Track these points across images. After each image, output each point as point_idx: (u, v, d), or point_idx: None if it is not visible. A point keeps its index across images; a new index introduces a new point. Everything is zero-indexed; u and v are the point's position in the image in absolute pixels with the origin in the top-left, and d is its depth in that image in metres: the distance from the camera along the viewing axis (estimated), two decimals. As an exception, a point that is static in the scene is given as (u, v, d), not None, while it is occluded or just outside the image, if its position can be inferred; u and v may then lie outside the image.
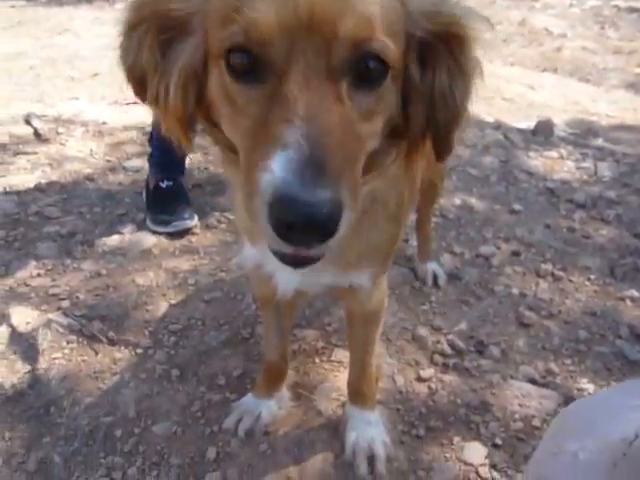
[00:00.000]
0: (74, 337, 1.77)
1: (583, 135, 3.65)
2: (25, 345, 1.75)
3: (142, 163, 2.94)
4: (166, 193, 2.38)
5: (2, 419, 1.52)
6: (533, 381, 1.66)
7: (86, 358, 1.71)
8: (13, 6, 8.66)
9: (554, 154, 3.22)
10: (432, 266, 2.09)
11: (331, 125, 0.69)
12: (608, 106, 4.45)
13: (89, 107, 3.84)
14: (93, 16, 7.73)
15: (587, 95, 4.69)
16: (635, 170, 3.11)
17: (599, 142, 3.53)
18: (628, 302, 2.09)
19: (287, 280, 1.15)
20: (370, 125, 0.79)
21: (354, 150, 0.75)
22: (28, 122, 3.48)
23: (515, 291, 2.07)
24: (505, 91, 4.61)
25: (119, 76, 0.90)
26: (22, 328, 1.81)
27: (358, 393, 1.44)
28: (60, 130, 3.38)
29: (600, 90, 4.90)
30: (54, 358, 1.70)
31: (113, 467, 1.38)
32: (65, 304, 1.92)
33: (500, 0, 7.82)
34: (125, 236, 2.32)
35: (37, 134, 3.33)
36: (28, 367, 1.67)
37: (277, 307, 1.44)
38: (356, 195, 0.73)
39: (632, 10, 7.39)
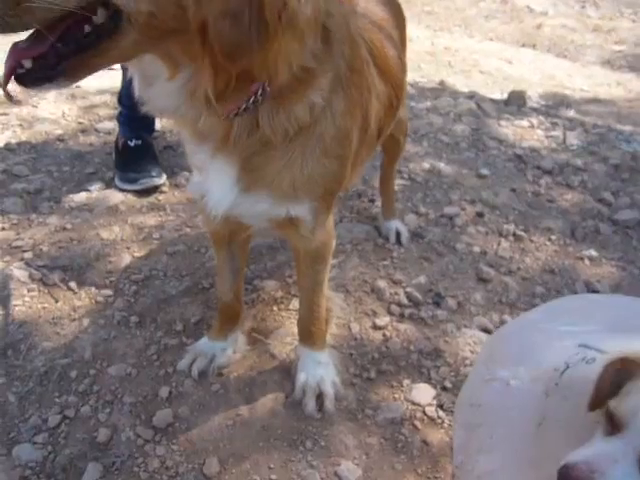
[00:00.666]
0: (35, 286, 1.78)
1: (555, 107, 3.69)
2: (-16, 295, 1.76)
3: (114, 125, 2.92)
4: (134, 151, 2.37)
5: (-42, 362, 1.53)
6: (486, 330, 1.70)
7: (46, 305, 1.72)
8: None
9: (525, 123, 3.24)
10: (396, 224, 2.11)
11: None
12: (583, 81, 4.50)
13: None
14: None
15: (563, 70, 4.73)
16: (603, 139, 3.15)
17: (571, 113, 3.57)
18: (586, 261, 2.13)
19: (218, 200, 1.15)
20: None
21: None
22: (-1, 84, 3.45)
23: (476, 249, 2.10)
24: (483, 65, 4.64)
25: None
26: (-19, 278, 1.82)
27: (307, 333, 1.46)
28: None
29: (576, 65, 4.94)
30: (14, 305, 1.71)
31: (67, 405, 1.40)
32: (28, 255, 1.92)
33: (484, -23, 7.81)
34: (92, 193, 2.32)
35: (8, 96, 3.30)
36: (-14, 319, 1.68)
37: (230, 247, 1.46)
38: None
39: (613, -10, 7.42)
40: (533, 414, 0.89)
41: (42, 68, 0.88)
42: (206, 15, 0.82)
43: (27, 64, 0.88)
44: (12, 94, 0.90)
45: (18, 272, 1.83)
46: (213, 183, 1.15)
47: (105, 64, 0.92)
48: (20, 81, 0.89)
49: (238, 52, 0.84)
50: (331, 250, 1.38)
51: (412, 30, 5.46)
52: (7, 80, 0.88)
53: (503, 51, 5.08)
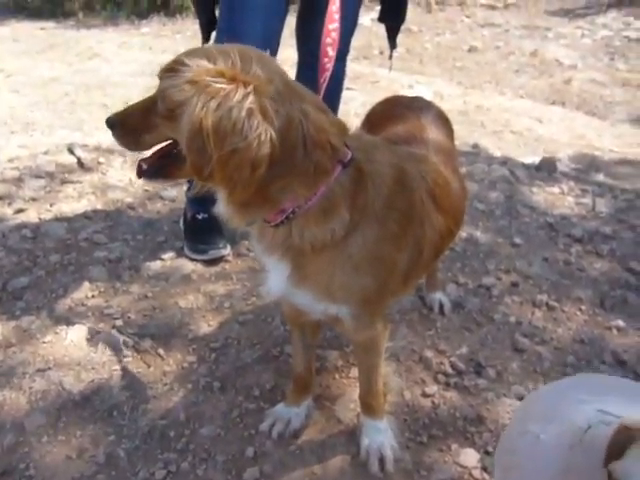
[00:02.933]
0: (129, 352, 2.07)
1: (585, 170, 3.92)
2: (87, 359, 2.05)
3: (176, 193, 3.26)
4: (202, 224, 2.66)
5: (73, 420, 1.81)
6: (522, 399, 1.91)
7: (141, 370, 2.00)
8: (43, 28, 9.10)
9: (556, 190, 3.48)
10: (439, 295, 2.36)
11: None
12: (612, 141, 4.71)
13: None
14: (120, 40, 8.10)
15: (593, 129, 4.95)
16: (631, 207, 3.37)
17: (600, 177, 3.79)
18: (614, 331, 2.34)
19: (272, 288, 1.43)
20: None
21: None
22: (71, 152, 3.82)
23: (512, 319, 2.33)
24: (514, 125, 4.89)
25: None
26: (83, 344, 2.11)
27: (368, 406, 1.71)
28: (101, 160, 3.71)
29: (606, 124, 5.16)
30: (113, 369, 2.00)
31: (169, 461, 1.67)
32: (119, 323, 2.21)
33: (513, 29, 8.10)
34: (166, 262, 2.62)
35: (80, 163, 3.66)
36: (92, 377, 1.97)
37: (303, 327, 1.74)
38: None
39: (642, 41, 7.63)
40: (559, 464, 1.08)
41: (149, 171, 1.36)
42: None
43: (144, 166, 1.37)
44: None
45: (114, 339, 2.12)
46: (270, 272, 1.43)
47: (185, 176, 1.42)
48: (140, 175, 1.38)
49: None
50: (381, 343, 1.60)
51: (444, 88, 5.78)
52: (138, 172, 1.39)
53: (533, 110, 5.33)
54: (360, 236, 1.33)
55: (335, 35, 1.69)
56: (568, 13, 8.23)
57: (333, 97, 2.71)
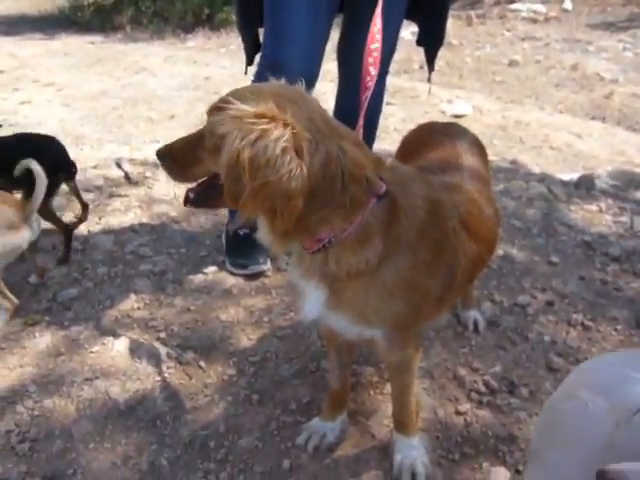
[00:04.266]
0: (172, 364, 2.16)
1: (624, 187, 3.89)
2: (132, 369, 2.15)
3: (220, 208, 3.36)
4: (244, 240, 2.75)
5: (118, 429, 1.91)
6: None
7: (183, 382, 2.09)
8: (92, 42, 9.41)
9: (594, 208, 3.47)
10: (473, 313, 2.40)
11: None
12: (653, 157, 4.66)
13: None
14: (166, 54, 8.31)
15: (633, 145, 4.89)
16: (670, 225, 3.34)
17: (639, 195, 3.76)
18: (650, 352, 2.34)
19: (308, 310, 1.50)
20: None
21: None
22: (119, 166, 3.97)
23: (547, 338, 2.35)
24: (553, 140, 4.87)
25: (193, 118, 1.36)
26: (129, 354, 2.22)
27: (401, 424, 1.76)
28: (147, 174, 3.85)
29: (647, 140, 5.10)
30: (156, 380, 2.10)
31: (209, 471, 1.75)
32: (162, 335, 2.31)
33: (554, 43, 8.02)
34: (208, 276, 2.72)
35: (127, 177, 3.81)
36: (136, 387, 2.07)
37: (339, 347, 1.80)
38: None
39: (686, 54, 7.49)
40: (603, 439, 1.09)
41: (196, 200, 1.46)
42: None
43: (191, 195, 1.47)
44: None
45: (158, 350, 2.22)
46: (306, 296, 1.50)
47: (226, 206, 1.50)
48: (187, 203, 1.48)
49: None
50: (413, 364, 1.66)
51: (484, 102, 5.78)
52: (185, 200, 1.49)
53: (573, 125, 5.29)
54: (393, 264, 1.39)
55: (377, 55, 1.75)
56: (610, 26, 8.12)
57: (374, 115, 2.78)
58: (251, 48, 2.59)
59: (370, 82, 1.72)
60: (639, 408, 1.10)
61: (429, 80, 2.76)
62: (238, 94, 1.29)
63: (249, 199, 1.21)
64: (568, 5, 8.94)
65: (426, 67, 2.76)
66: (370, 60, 1.74)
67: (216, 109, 1.29)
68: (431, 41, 2.64)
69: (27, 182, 2.42)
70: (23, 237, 2.35)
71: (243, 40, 2.63)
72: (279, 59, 2.29)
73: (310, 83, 1.96)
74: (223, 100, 1.30)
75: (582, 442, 1.16)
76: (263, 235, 1.36)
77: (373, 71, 1.72)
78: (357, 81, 1.71)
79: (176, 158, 1.40)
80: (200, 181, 1.45)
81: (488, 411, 1.97)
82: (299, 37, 2.28)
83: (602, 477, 0.91)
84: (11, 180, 2.52)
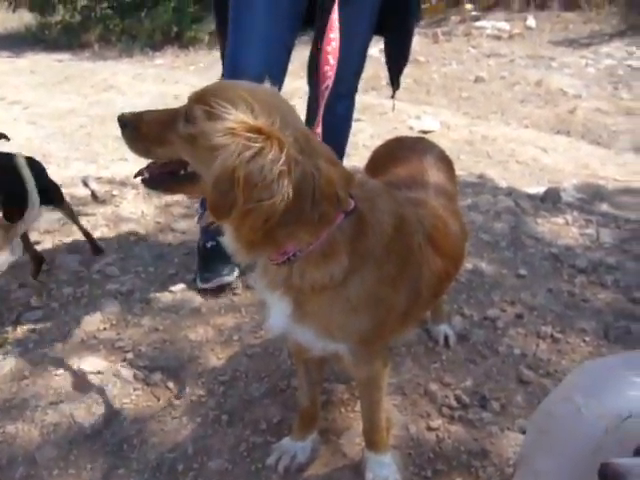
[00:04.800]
0: (139, 385, 2.12)
1: (589, 200, 3.96)
2: (98, 392, 2.10)
3: (188, 225, 3.33)
4: (210, 253, 2.71)
5: (84, 453, 1.86)
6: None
7: (150, 404, 2.05)
8: (60, 60, 9.32)
9: (560, 220, 3.52)
10: (444, 328, 2.39)
11: None
12: (616, 169, 4.75)
13: (137, 168, 4.25)
14: (134, 72, 8.27)
15: (597, 158, 5.00)
16: (635, 236, 3.39)
17: (604, 207, 3.83)
18: (618, 363, 2.36)
19: (274, 324, 1.48)
20: None
21: None
22: (86, 184, 3.92)
23: (517, 351, 2.36)
24: (519, 154, 4.95)
25: None
26: (95, 377, 2.16)
27: (372, 441, 1.74)
28: (114, 192, 3.81)
29: (610, 153, 5.21)
30: (124, 403, 2.05)
31: (178, 495, 1.70)
32: (129, 356, 2.26)
33: (518, 59, 8.18)
34: (177, 294, 2.68)
35: (94, 196, 3.76)
36: (102, 410, 2.01)
37: (308, 363, 1.77)
38: None
39: (646, 70, 7.69)
40: (591, 444, 1.09)
41: (151, 181, 1.41)
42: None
43: (146, 175, 1.41)
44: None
45: (124, 372, 2.17)
46: (271, 309, 1.48)
47: (187, 195, 1.65)
48: (138, 176, 1.42)
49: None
50: (381, 380, 1.64)
51: (451, 118, 5.86)
52: (137, 174, 1.43)
53: (538, 139, 5.39)
54: (359, 279, 1.38)
55: (335, 45, 1.75)
56: (572, 43, 8.32)
57: (339, 135, 2.79)
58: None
59: (330, 72, 1.71)
60: (630, 414, 1.10)
61: (393, 97, 2.78)
62: (228, 95, 1.24)
63: (236, 215, 1.19)
64: (531, 23, 9.14)
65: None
66: (328, 49, 1.74)
67: (201, 102, 1.25)
68: (395, 60, 2.67)
69: (8, 203, 2.37)
70: (2, 260, 2.30)
71: (220, 46, 2.66)
72: (238, 63, 2.33)
73: None
74: (212, 93, 1.26)
75: (572, 448, 1.16)
76: (228, 243, 1.33)
77: (332, 60, 1.72)
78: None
79: (141, 131, 1.33)
80: (161, 162, 1.38)
81: (460, 426, 1.97)
82: (255, 42, 2.30)
83: (605, 470, 0.91)
84: None
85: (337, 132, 2.83)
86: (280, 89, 2.40)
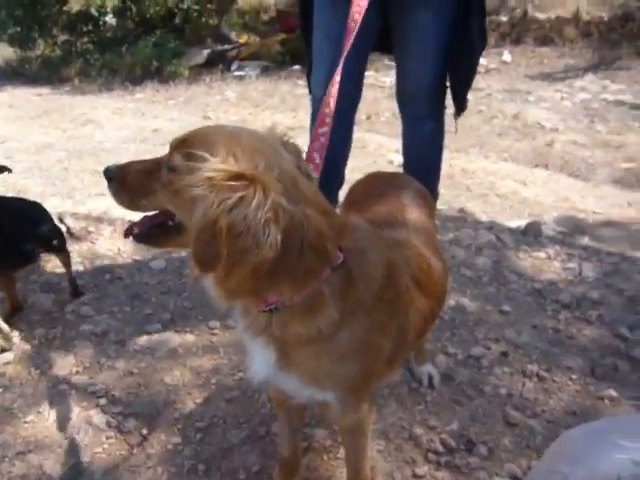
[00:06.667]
0: (112, 433, 2.02)
1: (570, 234, 3.95)
2: (69, 440, 2.00)
3: (165, 263, 3.25)
4: None
5: (52, 509, 1.75)
6: (515, 478, 1.88)
7: (123, 452, 1.95)
8: (39, 94, 9.27)
9: (542, 254, 3.50)
10: (427, 368, 2.33)
11: None
12: (596, 202, 4.78)
13: (114, 204, 4.16)
14: (114, 106, 8.23)
15: (576, 191, 5.02)
16: (617, 270, 3.38)
17: (585, 241, 3.83)
18: (606, 401, 2.31)
19: (256, 371, 1.42)
20: None
21: None
22: (61, 220, 3.82)
23: (503, 391, 2.30)
24: (499, 188, 4.96)
25: None
26: (65, 424, 2.07)
27: (355, 492, 1.66)
28: (90, 229, 3.72)
29: (589, 186, 5.24)
30: (95, 452, 1.95)
31: None
32: (102, 402, 2.17)
33: (495, 93, 8.30)
34: (153, 336, 2.60)
35: (70, 233, 3.66)
36: (73, 460, 1.92)
37: (289, 410, 1.70)
38: None
39: (619, 103, 7.84)
40: None
41: (140, 236, 1.37)
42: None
43: (136, 230, 1.36)
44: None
45: (96, 419, 2.08)
46: (254, 355, 1.42)
47: (178, 247, 1.47)
48: (129, 236, 1.37)
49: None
50: (367, 425, 1.58)
51: (432, 152, 5.87)
52: (127, 232, 1.39)
53: (517, 172, 5.42)
54: (348, 330, 1.32)
55: (337, 87, 1.75)
56: (547, 77, 8.48)
57: (426, 159, 2.95)
58: None
59: (327, 118, 1.66)
60: (620, 476, 1.06)
61: (456, 118, 2.93)
62: (209, 141, 1.19)
63: (223, 269, 1.12)
64: (507, 57, 9.32)
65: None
66: (332, 90, 1.70)
67: (183, 147, 1.21)
68: (459, 81, 2.77)
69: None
70: None
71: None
72: (312, 84, 2.63)
73: None
74: (193, 141, 1.21)
75: None
76: (208, 288, 1.27)
77: (332, 104, 1.68)
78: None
79: (126, 183, 1.29)
80: (148, 215, 1.34)
81: (447, 472, 1.90)
82: (320, 64, 2.47)
83: None
84: None
85: (423, 154, 2.93)
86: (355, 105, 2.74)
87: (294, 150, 1.35)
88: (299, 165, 1.32)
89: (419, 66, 2.67)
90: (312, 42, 2.67)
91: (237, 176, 1.10)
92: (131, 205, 1.31)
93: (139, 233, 1.35)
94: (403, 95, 2.86)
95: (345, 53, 1.81)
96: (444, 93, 2.83)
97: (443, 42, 2.62)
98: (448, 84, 2.78)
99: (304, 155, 1.45)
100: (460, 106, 2.86)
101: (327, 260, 1.25)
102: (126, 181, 1.29)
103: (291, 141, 1.36)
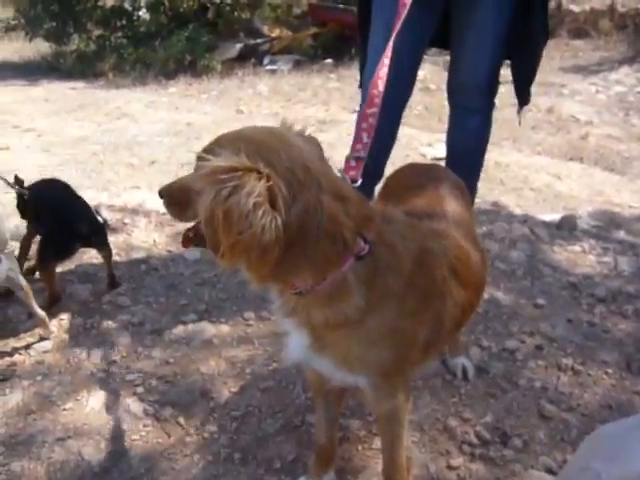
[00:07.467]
0: (149, 421, 2.06)
1: (605, 227, 3.89)
2: (107, 427, 2.05)
3: (200, 255, 3.29)
4: None
5: (92, 493, 1.80)
6: (550, 471, 1.87)
7: (160, 440, 1.99)
8: (74, 88, 9.40)
9: (577, 248, 3.46)
10: (462, 360, 2.33)
11: None
12: (631, 196, 4.69)
13: (149, 196, 4.22)
14: (148, 100, 8.30)
15: (611, 185, 4.94)
16: (654, 264, 3.33)
17: (620, 235, 3.76)
18: (642, 396, 2.29)
19: (292, 352, 1.46)
20: None
21: None
22: (98, 213, 3.88)
23: (537, 384, 2.29)
24: (533, 181, 4.90)
25: (174, 164, 1.32)
26: (104, 412, 2.11)
27: (391, 481, 1.67)
28: (126, 220, 3.78)
29: (624, 179, 5.14)
30: (133, 440, 1.99)
31: (189, 539, 1.64)
32: (140, 390, 2.21)
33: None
34: (188, 326, 2.63)
35: (106, 225, 3.72)
36: (111, 447, 1.96)
37: (327, 396, 1.72)
38: None
39: (657, 96, 7.66)
40: None
41: (193, 240, 1.46)
42: None
43: (191, 234, 1.45)
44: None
45: (134, 407, 2.12)
46: (290, 337, 1.45)
47: None
48: (185, 244, 1.49)
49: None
50: (403, 415, 1.58)
51: (464, 145, 5.82)
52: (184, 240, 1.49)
53: (551, 166, 5.34)
54: (378, 315, 1.34)
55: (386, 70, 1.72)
56: (582, 70, 8.32)
57: (470, 154, 2.96)
58: None
59: (376, 98, 1.64)
60: None
61: (519, 112, 2.95)
62: (220, 142, 1.28)
63: (226, 251, 1.18)
64: (541, 50, 9.16)
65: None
66: (380, 73, 1.69)
67: (202, 157, 1.27)
68: (521, 76, 2.76)
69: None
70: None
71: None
72: (363, 78, 2.68)
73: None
74: (207, 150, 1.28)
75: None
76: (244, 273, 1.32)
77: (381, 86, 1.66)
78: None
79: (172, 198, 1.39)
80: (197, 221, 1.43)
81: (481, 464, 1.89)
82: (374, 55, 2.43)
83: None
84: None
85: (467, 148, 2.93)
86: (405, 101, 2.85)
87: (312, 141, 1.40)
88: (320, 155, 1.36)
89: (475, 60, 2.69)
90: (368, 37, 2.67)
91: (233, 168, 1.17)
92: (182, 216, 1.41)
93: (194, 237, 1.44)
94: (455, 87, 2.87)
95: (394, 35, 1.80)
96: (496, 89, 2.82)
97: (501, 37, 2.62)
98: (507, 80, 2.79)
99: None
100: (523, 100, 2.85)
101: (346, 248, 1.26)
102: (172, 197, 1.40)
103: (307, 133, 1.41)
